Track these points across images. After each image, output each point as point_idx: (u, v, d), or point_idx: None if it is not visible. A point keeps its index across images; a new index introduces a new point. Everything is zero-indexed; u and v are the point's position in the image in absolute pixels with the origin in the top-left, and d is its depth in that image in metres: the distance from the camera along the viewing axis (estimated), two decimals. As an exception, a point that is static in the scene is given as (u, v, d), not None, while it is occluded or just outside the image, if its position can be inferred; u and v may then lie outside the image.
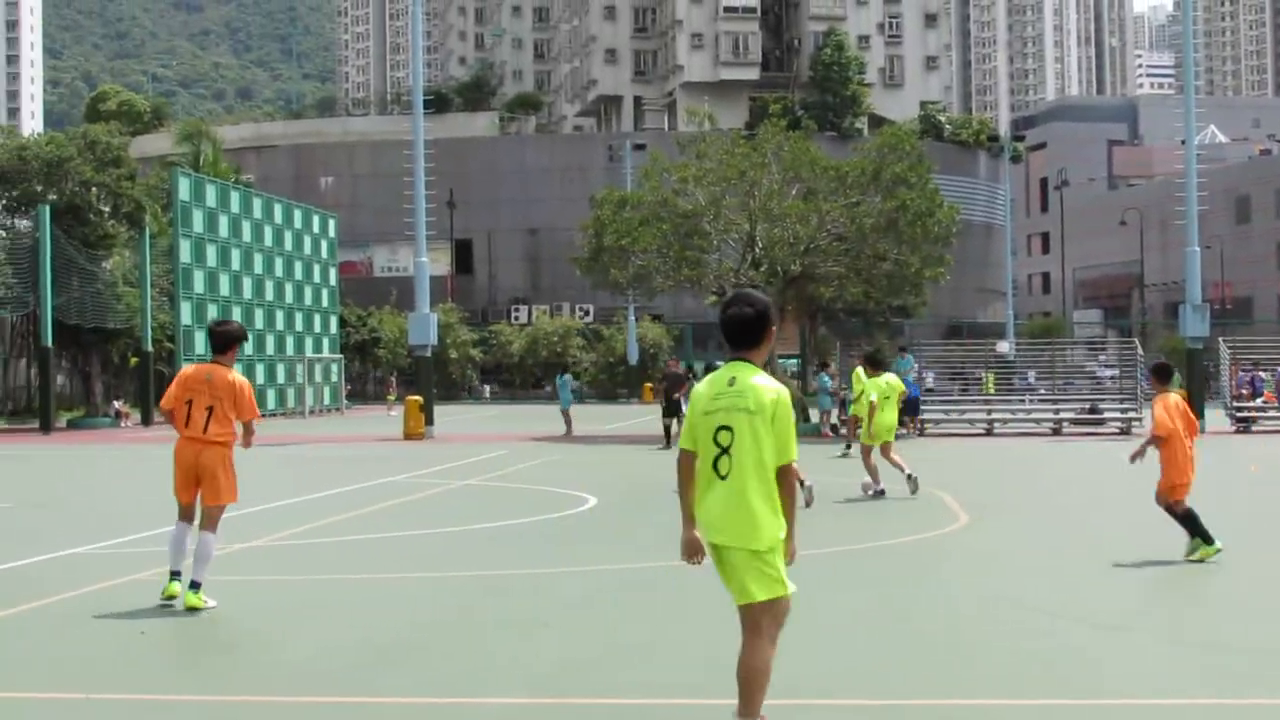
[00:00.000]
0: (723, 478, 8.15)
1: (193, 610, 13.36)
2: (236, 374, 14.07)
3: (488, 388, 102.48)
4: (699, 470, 8.28)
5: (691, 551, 8.56)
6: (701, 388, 8.39)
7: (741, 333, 8.31)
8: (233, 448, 13.99)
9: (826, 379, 48.52)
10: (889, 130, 52.35)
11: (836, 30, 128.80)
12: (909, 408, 46.22)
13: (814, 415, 49.48)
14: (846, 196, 48.26)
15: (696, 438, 8.30)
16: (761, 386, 8.14)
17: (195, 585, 13.46)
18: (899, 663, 10.86)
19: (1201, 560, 16.00)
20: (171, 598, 13.54)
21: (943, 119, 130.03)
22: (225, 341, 14.17)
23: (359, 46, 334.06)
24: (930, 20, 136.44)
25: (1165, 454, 16.26)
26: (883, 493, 24.73)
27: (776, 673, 9.56)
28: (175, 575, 13.71)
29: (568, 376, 54.99)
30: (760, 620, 8.41)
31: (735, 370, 8.25)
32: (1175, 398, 16.60)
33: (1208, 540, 16.07)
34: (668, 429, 41.82)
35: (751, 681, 8.39)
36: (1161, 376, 16.95)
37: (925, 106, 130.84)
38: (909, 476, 24.73)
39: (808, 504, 21.40)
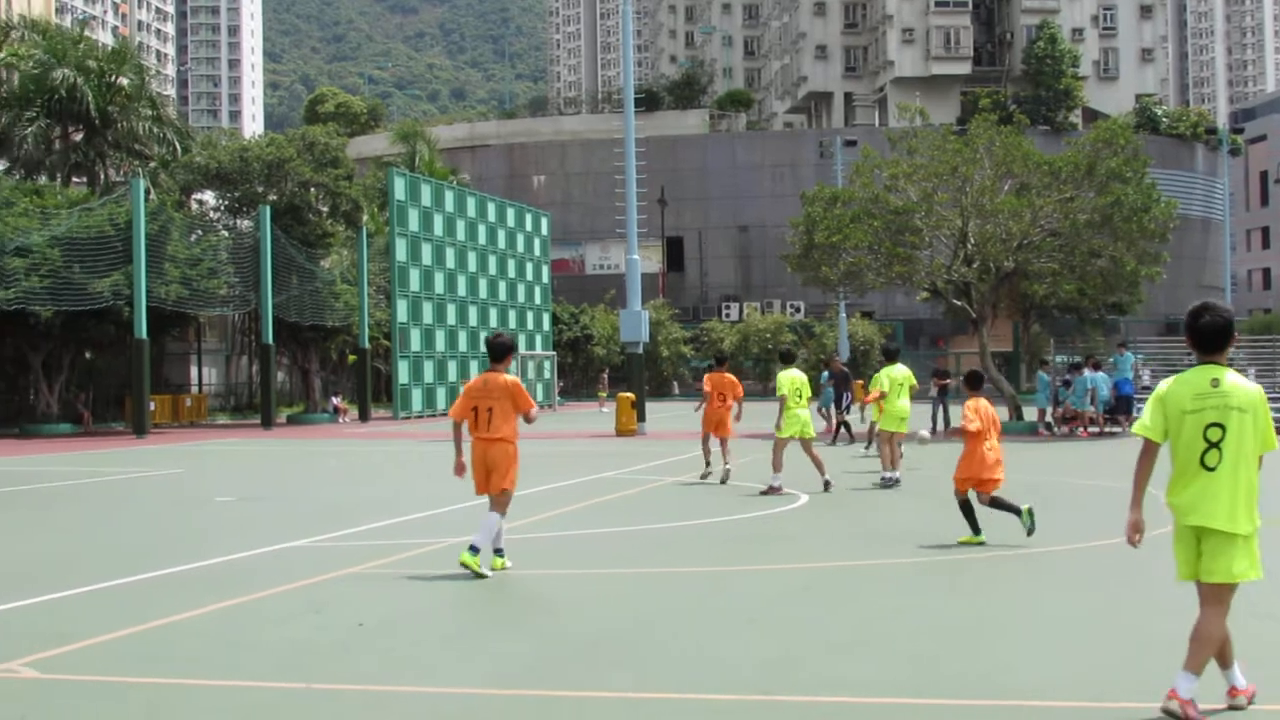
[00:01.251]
0: (1211, 469, 8.99)
1: (464, 567, 15.32)
2: (509, 376, 15.84)
3: (676, 383, 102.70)
4: (1182, 462, 9.15)
5: (1136, 531, 9.47)
6: (1173, 386, 9.25)
7: (1215, 338, 9.14)
8: (516, 443, 15.76)
9: (1045, 377, 48.08)
10: (1103, 124, 51.58)
11: (1049, 23, 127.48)
12: (1121, 405, 45.75)
13: (1030, 413, 49.01)
14: (1060, 192, 47.64)
15: (1170, 431, 9.21)
16: (1245, 387, 9.10)
17: (474, 549, 15.43)
18: (1121, 665, 10.79)
19: (966, 543, 17.81)
20: (497, 568, 15.83)
21: (1159, 112, 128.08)
22: (501, 351, 15.96)
23: (570, 46, 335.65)
24: (1145, 11, 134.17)
25: (969, 449, 18.04)
26: (897, 481, 26.65)
27: (1001, 675, 9.63)
28: (498, 552, 16.01)
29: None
30: (1225, 596, 9.10)
31: (1213, 372, 9.09)
32: (984, 402, 18.43)
33: (975, 531, 17.96)
34: (840, 424, 42.65)
35: (1207, 644, 9.10)
36: (972, 384, 19.35)
37: (1140, 99, 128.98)
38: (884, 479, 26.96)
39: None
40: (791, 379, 25.54)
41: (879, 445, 28.18)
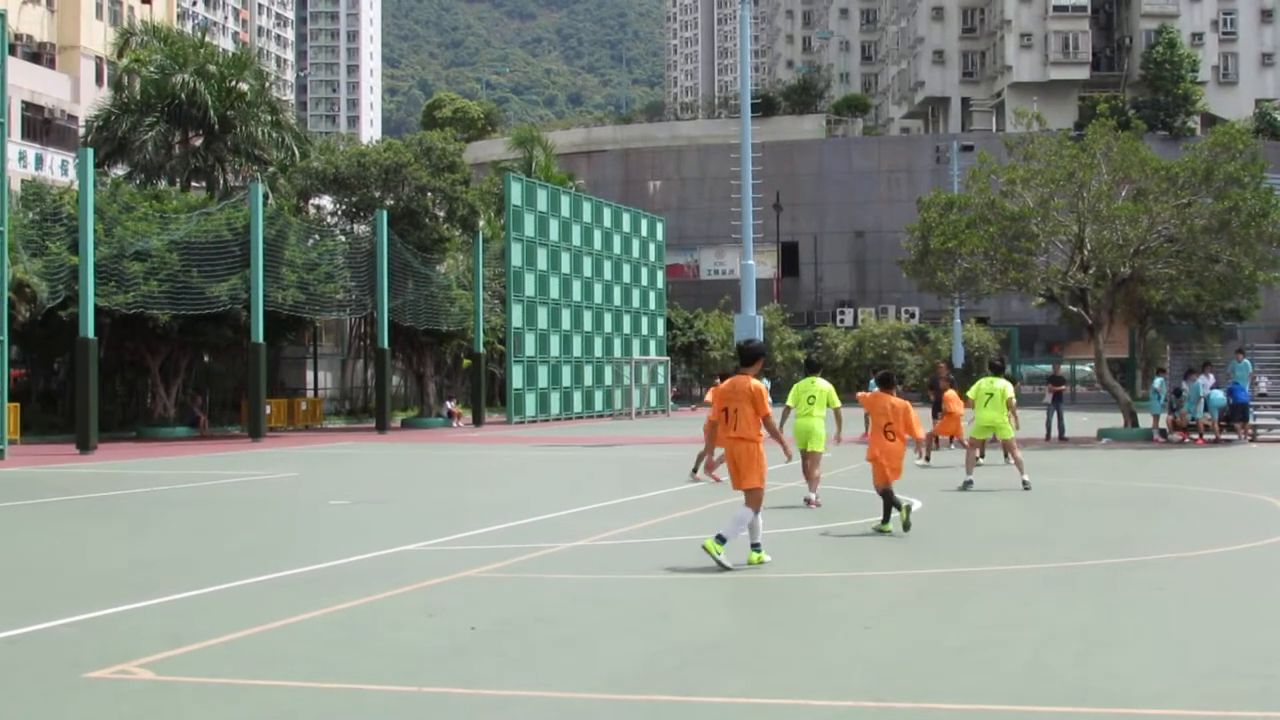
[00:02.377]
0: None
1: (752, 565, 16.24)
2: (755, 381, 16.60)
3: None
4: None
5: None
6: None
7: None
8: (758, 442, 16.39)
9: (1161, 382, 47.70)
10: (1222, 129, 51.04)
11: (1168, 28, 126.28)
12: (1236, 413, 45.29)
13: (1145, 420, 48.63)
14: (1177, 197, 47.23)
15: None
16: None
17: (721, 539, 16.11)
18: (1238, 675, 10.68)
19: (877, 531, 19.74)
20: (755, 563, 16.34)
21: (1279, 117, 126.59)
22: (751, 357, 16.90)
23: (687, 51, 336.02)
24: (1266, 16, 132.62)
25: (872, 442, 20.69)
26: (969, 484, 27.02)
27: (1117, 683, 9.55)
28: (755, 547, 16.51)
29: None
30: None
31: None
32: (893, 401, 20.88)
33: (885, 519, 19.81)
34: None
35: None
36: (883, 384, 21.94)
37: (1260, 104, 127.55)
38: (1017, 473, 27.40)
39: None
40: (798, 387, 24.60)
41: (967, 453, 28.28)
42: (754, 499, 16.26)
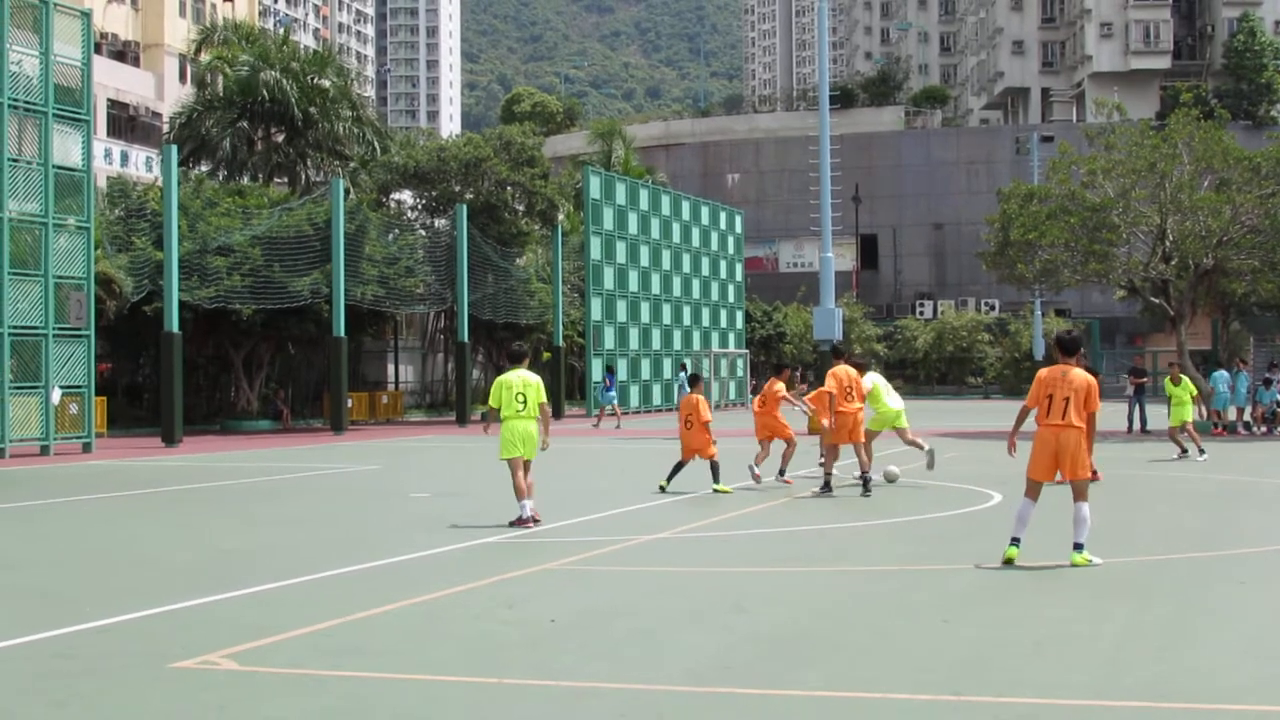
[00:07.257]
0: None
1: (1075, 566, 15.75)
2: (1085, 373, 16.19)
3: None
4: None
5: None
6: None
7: None
8: (1085, 434, 15.95)
9: (1223, 375, 47.31)
10: (1307, 118, 50.64)
11: (1250, 15, 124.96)
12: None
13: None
14: (1261, 187, 46.85)
15: None
16: None
17: (1078, 546, 15.97)
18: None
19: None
20: (1009, 561, 15.92)
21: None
22: (1074, 346, 16.54)
23: (765, 44, 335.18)
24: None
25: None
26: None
27: (1195, 678, 9.53)
28: (1014, 541, 16.05)
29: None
30: None
31: None
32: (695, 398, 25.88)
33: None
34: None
35: None
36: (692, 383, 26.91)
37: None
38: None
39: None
40: (503, 382, 20.48)
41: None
42: (1083, 491, 15.95)
